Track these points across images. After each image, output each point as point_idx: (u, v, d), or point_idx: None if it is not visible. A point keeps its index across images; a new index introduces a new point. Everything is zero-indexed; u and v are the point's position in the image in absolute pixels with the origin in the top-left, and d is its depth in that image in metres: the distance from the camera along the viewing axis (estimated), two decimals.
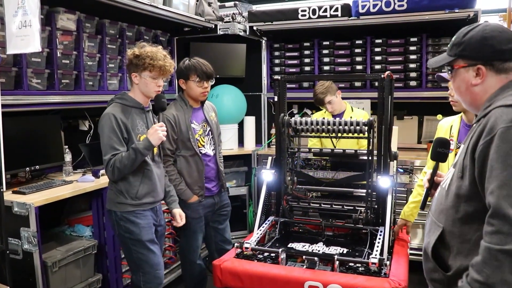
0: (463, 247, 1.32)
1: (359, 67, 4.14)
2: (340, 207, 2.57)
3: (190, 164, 2.84)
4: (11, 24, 2.32)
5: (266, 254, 2.28)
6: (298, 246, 2.40)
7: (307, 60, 4.33)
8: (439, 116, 3.28)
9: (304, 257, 2.18)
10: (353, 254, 2.28)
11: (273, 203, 2.74)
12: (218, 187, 3.00)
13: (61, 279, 2.68)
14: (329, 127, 2.54)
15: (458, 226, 1.34)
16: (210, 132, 2.95)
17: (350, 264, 2.13)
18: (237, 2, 4.44)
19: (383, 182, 2.41)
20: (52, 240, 2.88)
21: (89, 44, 3.21)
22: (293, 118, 2.64)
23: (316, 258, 2.14)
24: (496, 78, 1.35)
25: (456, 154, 1.65)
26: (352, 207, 2.55)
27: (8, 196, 2.52)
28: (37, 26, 2.27)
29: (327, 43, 4.23)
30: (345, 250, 2.33)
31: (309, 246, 2.40)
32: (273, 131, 4.43)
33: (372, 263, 2.03)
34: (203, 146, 2.90)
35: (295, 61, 4.40)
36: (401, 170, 3.60)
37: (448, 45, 1.46)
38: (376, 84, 2.62)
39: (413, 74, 3.97)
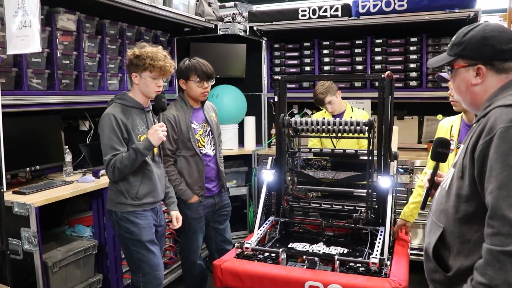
0: (463, 247, 1.32)
1: (359, 67, 4.14)
2: (341, 207, 2.57)
3: (191, 164, 2.84)
4: (11, 25, 2.32)
5: (266, 254, 2.28)
6: (299, 246, 2.40)
7: (307, 60, 4.33)
8: (439, 116, 3.27)
9: (304, 257, 2.18)
10: (354, 254, 2.28)
11: (273, 203, 2.74)
12: (218, 187, 3.00)
13: (61, 279, 2.68)
14: (329, 127, 2.54)
15: (458, 226, 1.34)
16: (210, 132, 2.95)
17: (351, 264, 2.13)
18: (237, 2, 4.44)
19: (384, 182, 2.41)
20: (52, 241, 2.87)
21: (89, 44, 3.21)
22: (293, 118, 2.64)
23: (316, 258, 2.14)
24: (496, 78, 1.34)
25: (456, 154, 1.65)
26: (352, 207, 2.55)
27: (9, 196, 2.52)
28: (37, 27, 2.27)
29: (327, 43, 4.23)
30: (346, 250, 2.33)
31: (309, 246, 2.40)
32: (273, 131, 4.44)
33: (373, 263, 2.03)
34: (204, 146, 2.90)
35: (295, 61, 4.40)
36: (402, 170, 3.60)
37: (448, 45, 1.46)
38: (376, 84, 2.62)
39: (413, 74, 3.97)
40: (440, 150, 1.61)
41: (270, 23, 4.16)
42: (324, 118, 2.58)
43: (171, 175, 2.78)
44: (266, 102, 4.65)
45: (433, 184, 1.62)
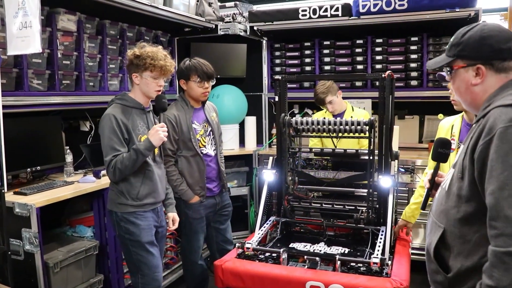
0: (463, 248, 1.32)
1: (359, 66, 4.14)
2: (342, 207, 2.57)
3: (191, 165, 2.84)
4: (11, 25, 2.33)
5: (267, 254, 2.28)
6: (300, 246, 2.40)
7: (307, 60, 4.33)
8: (440, 116, 3.27)
9: (305, 257, 2.18)
10: (355, 254, 2.28)
11: (274, 203, 2.74)
12: (219, 187, 3.00)
13: (62, 280, 2.68)
14: (330, 127, 2.54)
15: (459, 226, 1.33)
16: (211, 132, 2.95)
17: (352, 264, 2.13)
18: (237, 2, 4.44)
19: (384, 181, 2.41)
20: (53, 241, 2.88)
21: (90, 45, 3.21)
22: (294, 118, 2.64)
23: (317, 258, 2.14)
24: (496, 78, 1.34)
25: (457, 154, 1.65)
26: (353, 207, 2.55)
27: (10, 197, 2.52)
28: (38, 27, 2.27)
29: (328, 43, 4.23)
30: (347, 250, 2.33)
31: (310, 246, 2.39)
32: (274, 131, 4.44)
33: (374, 263, 2.03)
34: (204, 146, 2.90)
35: (295, 61, 4.40)
36: (402, 170, 3.60)
37: (447, 46, 1.46)
38: (377, 83, 2.62)
39: (414, 74, 3.96)
40: (441, 151, 1.60)
41: (270, 23, 4.16)
42: (324, 118, 2.58)
43: (172, 175, 2.78)
44: (266, 102, 4.65)
45: (433, 185, 1.62)
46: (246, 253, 2.28)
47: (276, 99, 2.74)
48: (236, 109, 4.38)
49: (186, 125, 2.79)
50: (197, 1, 3.98)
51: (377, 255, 2.10)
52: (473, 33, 1.37)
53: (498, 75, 1.34)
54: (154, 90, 2.40)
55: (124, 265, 3.02)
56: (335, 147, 3.32)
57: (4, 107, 2.45)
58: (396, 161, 2.58)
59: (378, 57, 4.06)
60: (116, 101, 2.41)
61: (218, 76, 3.39)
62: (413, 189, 3.48)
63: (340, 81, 4.04)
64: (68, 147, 3.18)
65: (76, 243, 2.88)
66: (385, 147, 2.50)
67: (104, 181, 2.88)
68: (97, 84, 3.29)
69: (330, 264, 2.15)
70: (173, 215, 2.67)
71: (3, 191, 2.22)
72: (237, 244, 2.32)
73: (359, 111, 3.54)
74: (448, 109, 2.52)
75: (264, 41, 4.52)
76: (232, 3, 4.47)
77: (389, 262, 2.06)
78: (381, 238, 2.29)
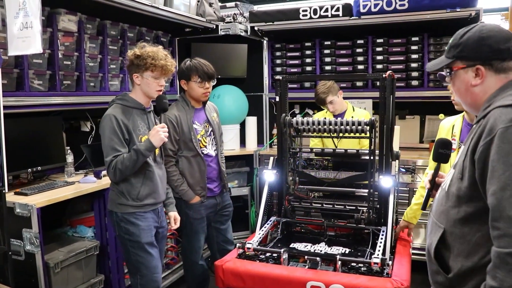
0: (463, 248, 1.32)
1: (360, 66, 4.13)
2: (342, 207, 2.57)
3: (192, 165, 2.84)
4: (12, 26, 2.33)
5: (268, 254, 2.28)
6: (300, 246, 2.40)
7: (308, 60, 4.33)
8: (441, 116, 3.27)
9: (306, 257, 2.18)
10: (355, 254, 2.28)
11: (275, 203, 2.74)
12: (220, 187, 3.00)
13: (63, 280, 2.68)
14: (331, 127, 2.54)
15: (459, 227, 1.33)
16: (212, 132, 2.95)
17: (352, 264, 2.13)
18: (238, 3, 4.45)
19: (385, 182, 2.41)
20: (54, 241, 2.88)
21: (91, 45, 3.21)
22: (294, 118, 2.64)
23: (318, 258, 2.14)
24: (496, 78, 1.34)
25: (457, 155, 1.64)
26: (354, 207, 2.54)
27: (10, 197, 2.52)
28: (38, 28, 2.27)
29: (329, 43, 4.23)
30: (347, 250, 2.33)
31: (311, 246, 2.39)
32: (274, 131, 4.44)
33: (374, 263, 2.03)
34: (205, 146, 2.90)
35: (296, 61, 4.40)
36: (403, 170, 3.59)
37: (446, 48, 1.46)
38: (378, 83, 2.62)
39: (414, 74, 3.96)
40: (442, 151, 1.60)
41: (271, 23, 4.16)
42: (325, 118, 2.58)
43: (172, 175, 2.78)
44: (267, 102, 4.65)
45: (434, 185, 1.62)
46: (247, 253, 2.27)
47: (277, 99, 2.73)
48: (237, 109, 4.38)
49: (187, 126, 2.79)
50: (198, 2, 3.99)
51: (378, 255, 2.09)
52: (472, 34, 1.37)
53: (498, 76, 1.34)
54: (156, 90, 2.40)
55: (124, 265, 3.02)
56: (336, 147, 3.32)
57: (5, 107, 2.45)
58: (397, 161, 2.58)
59: (379, 57, 4.06)
60: (117, 102, 2.40)
61: (219, 76, 3.40)
62: (414, 189, 3.48)
63: (341, 81, 4.04)
64: (69, 148, 3.18)
65: (76, 243, 2.88)
66: (385, 147, 2.49)
67: (105, 182, 2.88)
68: (98, 85, 3.30)
69: (330, 264, 2.15)
70: (174, 214, 2.67)
71: (4, 191, 2.22)
72: (237, 244, 2.32)
73: (360, 111, 3.54)
74: (449, 109, 2.52)
75: (265, 41, 4.52)
76: (232, 4, 4.48)
77: (390, 262, 2.06)
78: (381, 238, 2.28)
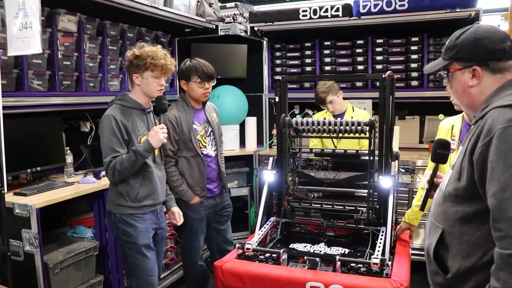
0: (461, 248, 1.32)
1: (360, 67, 4.14)
2: (342, 207, 2.56)
3: (192, 165, 2.84)
4: (12, 26, 2.32)
5: (267, 255, 2.27)
6: (300, 246, 2.40)
7: (308, 61, 4.33)
8: (440, 116, 3.27)
9: (305, 257, 2.17)
10: (355, 255, 2.28)
11: (274, 203, 2.73)
12: (219, 188, 3.00)
13: (62, 280, 2.68)
14: (331, 127, 2.54)
15: (458, 227, 1.33)
16: (211, 133, 2.95)
17: (352, 264, 2.12)
18: (238, 3, 4.45)
19: (385, 182, 2.40)
20: (53, 242, 2.87)
21: (90, 46, 3.21)
22: (294, 118, 2.64)
23: (317, 259, 2.13)
24: (493, 79, 1.35)
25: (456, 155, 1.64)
26: (353, 208, 2.54)
27: (10, 197, 2.52)
28: (38, 28, 2.27)
29: (328, 43, 4.23)
30: (347, 251, 2.33)
31: (310, 246, 2.39)
32: (274, 131, 4.43)
33: (374, 264, 2.03)
34: (205, 147, 2.90)
35: (296, 62, 4.40)
36: (403, 170, 3.59)
37: (443, 50, 1.47)
38: (378, 84, 2.62)
39: (414, 74, 3.96)
40: (440, 152, 1.61)
41: (271, 23, 4.16)
42: (325, 118, 2.58)
43: (172, 176, 2.78)
44: (267, 103, 4.65)
45: (432, 186, 1.62)
46: (246, 253, 2.27)
47: (277, 99, 2.73)
48: (237, 109, 4.38)
49: (186, 126, 2.79)
50: (198, 2, 3.99)
51: (377, 255, 2.09)
52: (467, 35, 1.38)
53: (494, 76, 1.35)
54: (156, 89, 2.39)
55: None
56: (336, 147, 3.32)
57: (4, 107, 2.45)
58: (397, 161, 2.58)
59: (379, 58, 4.06)
60: (116, 102, 2.40)
61: (219, 77, 3.40)
62: (414, 189, 3.48)
63: (341, 82, 4.04)
64: (68, 148, 3.18)
65: (76, 243, 2.88)
66: (385, 147, 2.49)
67: (104, 182, 2.88)
68: (97, 85, 3.29)
69: (330, 264, 2.15)
70: (178, 209, 2.66)
71: (3, 191, 2.21)
72: (237, 245, 2.31)
73: (359, 111, 3.54)
74: (449, 109, 2.52)
75: (265, 42, 4.52)
76: (232, 4, 4.48)
77: (389, 263, 2.06)
78: (381, 239, 2.28)
